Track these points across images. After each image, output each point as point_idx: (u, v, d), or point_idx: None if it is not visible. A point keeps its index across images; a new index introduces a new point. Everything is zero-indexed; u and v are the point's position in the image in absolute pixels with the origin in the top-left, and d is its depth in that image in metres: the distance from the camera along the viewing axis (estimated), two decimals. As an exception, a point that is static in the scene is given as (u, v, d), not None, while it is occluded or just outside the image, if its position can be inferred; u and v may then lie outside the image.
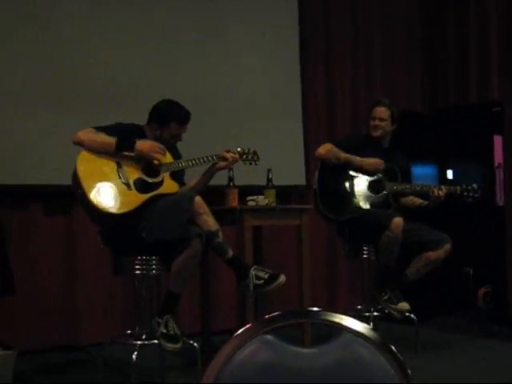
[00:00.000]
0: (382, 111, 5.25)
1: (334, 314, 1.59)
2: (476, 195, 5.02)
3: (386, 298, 4.90)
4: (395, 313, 4.90)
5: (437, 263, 4.92)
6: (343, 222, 5.11)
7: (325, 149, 5.13)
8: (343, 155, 5.07)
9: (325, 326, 1.58)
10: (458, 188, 5.05)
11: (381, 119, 5.22)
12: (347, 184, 5.11)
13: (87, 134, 4.10)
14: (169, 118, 4.35)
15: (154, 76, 5.71)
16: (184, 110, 4.40)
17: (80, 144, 4.10)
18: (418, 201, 5.22)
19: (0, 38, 5.18)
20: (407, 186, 5.14)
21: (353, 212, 5.05)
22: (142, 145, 4.15)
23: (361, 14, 7.21)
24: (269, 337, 1.56)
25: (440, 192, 4.96)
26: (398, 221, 4.78)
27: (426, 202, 5.14)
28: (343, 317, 1.58)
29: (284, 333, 1.58)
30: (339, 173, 5.10)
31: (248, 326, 1.56)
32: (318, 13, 6.89)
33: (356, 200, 5.08)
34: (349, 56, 7.09)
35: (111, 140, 4.09)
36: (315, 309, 1.60)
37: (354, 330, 1.57)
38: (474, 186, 5.03)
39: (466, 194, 5.02)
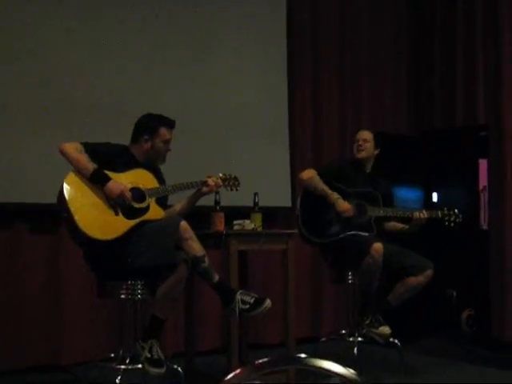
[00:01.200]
0: (365, 133, 5.33)
1: (320, 360, 1.60)
2: (458, 220, 5.12)
3: (367, 322, 4.92)
4: (377, 337, 4.93)
5: (418, 289, 4.95)
6: (325, 245, 5.14)
7: (307, 175, 5.17)
8: (320, 188, 5.09)
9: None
10: (440, 212, 5.15)
11: (364, 140, 5.27)
12: (329, 208, 5.11)
13: (73, 150, 4.10)
14: (157, 124, 4.37)
15: (139, 96, 5.69)
16: (163, 115, 4.44)
17: (63, 155, 4.10)
18: (400, 225, 5.28)
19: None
20: (389, 211, 5.17)
21: (333, 235, 5.07)
22: (112, 188, 4.05)
23: (348, 37, 7.23)
24: (258, 383, 1.58)
25: (421, 215, 5.05)
26: (377, 246, 4.79)
27: (407, 227, 5.18)
28: (330, 363, 1.60)
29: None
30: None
31: (238, 371, 1.58)
32: (306, 37, 6.92)
33: (337, 224, 5.10)
34: (336, 79, 7.11)
35: (89, 168, 4.05)
36: (303, 355, 1.61)
37: (340, 374, 1.59)
38: (456, 210, 5.13)
39: (447, 218, 5.12)
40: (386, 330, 4.90)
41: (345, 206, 5.06)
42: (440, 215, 5.13)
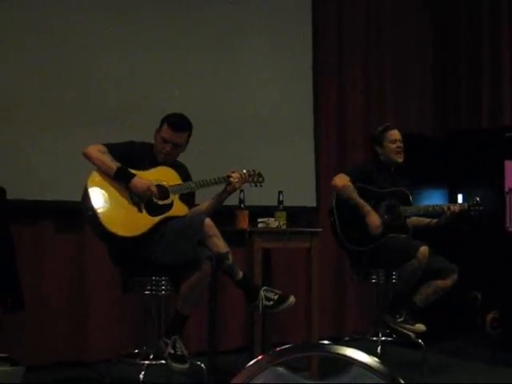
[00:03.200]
0: (398, 133, 5.22)
1: (344, 347, 1.59)
2: (481, 208, 5.12)
3: (401, 319, 4.89)
4: (411, 334, 4.90)
5: (444, 292, 4.96)
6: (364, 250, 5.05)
7: (341, 182, 5.00)
8: (355, 198, 4.96)
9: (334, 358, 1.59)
10: (466, 204, 5.16)
11: (400, 141, 5.18)
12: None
13: (96, 151, 4.12)
14: (164, 120, 4.35)
15: (164, 94, 5.72)
16: (180, 117, 4.37)
17: (87, 158, 4.13)
18: (426, 220, 5.25)
19: (10, 55, 5.25)
20: (420, 208, 5.16)
21: (376, 241, 4.97)
22: (137, 184, 4.09)
23: (374, 37, 7.23)
24: (280, 369, 1.57)
25: (455, 208, 5.06)
26: (424, 250, 4.76)
27: (435, 221, 5.18)
28: (353, 350, 1.59)
29: (291, 361, 1.60)
30: None
31: (259, 357, 1.57)
32: (331, 38, 6.94)
33: None
34: (361, 79, 7.11)
35: (112, 167, 4.08)
36: (325, 342, 1.61)
37: (363, 363, 1.58)
38: (477, 199, 5.14)
39: (472, 208, 5.12)
40: (421, 326, 4.90)
41: (375, 222, 4.95)
42: (466, 207, 5.12)
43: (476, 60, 7.19)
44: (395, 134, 5.21)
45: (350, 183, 5.01)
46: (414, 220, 5.25)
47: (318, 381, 1.71)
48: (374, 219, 4.96)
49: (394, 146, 5.17)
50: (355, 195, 4.99)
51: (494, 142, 6.78)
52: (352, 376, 1.59)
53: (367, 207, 4.97)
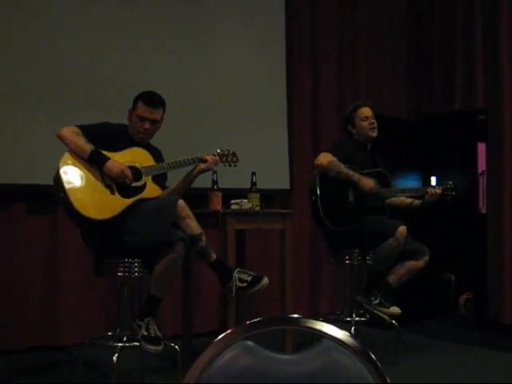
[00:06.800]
0: (368, 110, 5.23)
1: (314, 321, 1.58)
2: (453, 193, 5.09)
3: (376, 302, 4.90)
4: (386, 317, 4.91)
5: (415, 272, 4.98)
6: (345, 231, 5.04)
7: (326, 159, 5.00)
8: (344, 170, 4.98)
9: (306, 332, 1.58)
10: (440, 188, 5.11)
11: (372, 117, 5.18)
12: (349, 193, 5.05)
13: (70, 133, 4.08)
14: (137, 98, 4.31)
15: (141, 79, 5.65)
16: (153, 93, 4.34)
17: (61, 140, 4.08)
18: (408, 200, 5.24)
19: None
20: (397, 191, 5.17)
21: (356, 222, 4.99)
22: (112, 167, 4.05)
23: (347, 22, 7.22)
24: (249, 343, 1.56)
25: (436, 190, 5.04)
26: (402, 229, 4.80)
27: (418, 202, 5.16)
28: (324, 324, 1.58)
29: (266, 339, 1.59)
30: (340, 182, 5.02)
31: (228, 331, 1.56)
32: (305, 21, 6.91)
33: (357, 209, 5.04)
34: (334, 62, 7.10)
35: (86, 149, 4.04)
36: (296, 315, 1.60)
37: (334, 337, 1.57)
38: (450, 183, 5.11)
39: (445, 192, 5.09)
40: (396, 309, 4.91)
41: (369, 183, 4.99)
42: (441, 190, 5.08)
43: (449, 42, 7.21)
44: (366, 110, 5.23)
45: (334, 158, 5.02)
46: (395, 199, 5.25)
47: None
48: (368, 182, 5.00)
49: (366, 123, 5.19)
50: (343, 167, 5.00)
51: (466, 125, 6.83)
52: (321, 349, 1.58)
53: (356, 175, 4.99)
